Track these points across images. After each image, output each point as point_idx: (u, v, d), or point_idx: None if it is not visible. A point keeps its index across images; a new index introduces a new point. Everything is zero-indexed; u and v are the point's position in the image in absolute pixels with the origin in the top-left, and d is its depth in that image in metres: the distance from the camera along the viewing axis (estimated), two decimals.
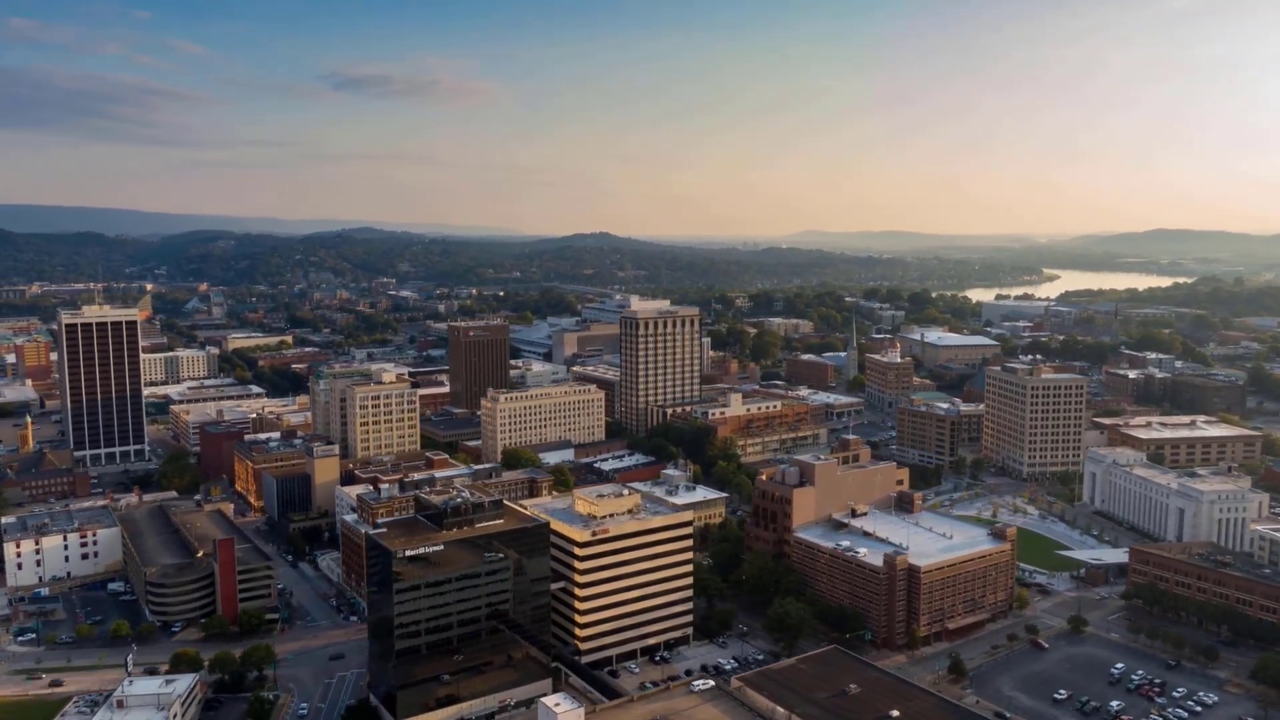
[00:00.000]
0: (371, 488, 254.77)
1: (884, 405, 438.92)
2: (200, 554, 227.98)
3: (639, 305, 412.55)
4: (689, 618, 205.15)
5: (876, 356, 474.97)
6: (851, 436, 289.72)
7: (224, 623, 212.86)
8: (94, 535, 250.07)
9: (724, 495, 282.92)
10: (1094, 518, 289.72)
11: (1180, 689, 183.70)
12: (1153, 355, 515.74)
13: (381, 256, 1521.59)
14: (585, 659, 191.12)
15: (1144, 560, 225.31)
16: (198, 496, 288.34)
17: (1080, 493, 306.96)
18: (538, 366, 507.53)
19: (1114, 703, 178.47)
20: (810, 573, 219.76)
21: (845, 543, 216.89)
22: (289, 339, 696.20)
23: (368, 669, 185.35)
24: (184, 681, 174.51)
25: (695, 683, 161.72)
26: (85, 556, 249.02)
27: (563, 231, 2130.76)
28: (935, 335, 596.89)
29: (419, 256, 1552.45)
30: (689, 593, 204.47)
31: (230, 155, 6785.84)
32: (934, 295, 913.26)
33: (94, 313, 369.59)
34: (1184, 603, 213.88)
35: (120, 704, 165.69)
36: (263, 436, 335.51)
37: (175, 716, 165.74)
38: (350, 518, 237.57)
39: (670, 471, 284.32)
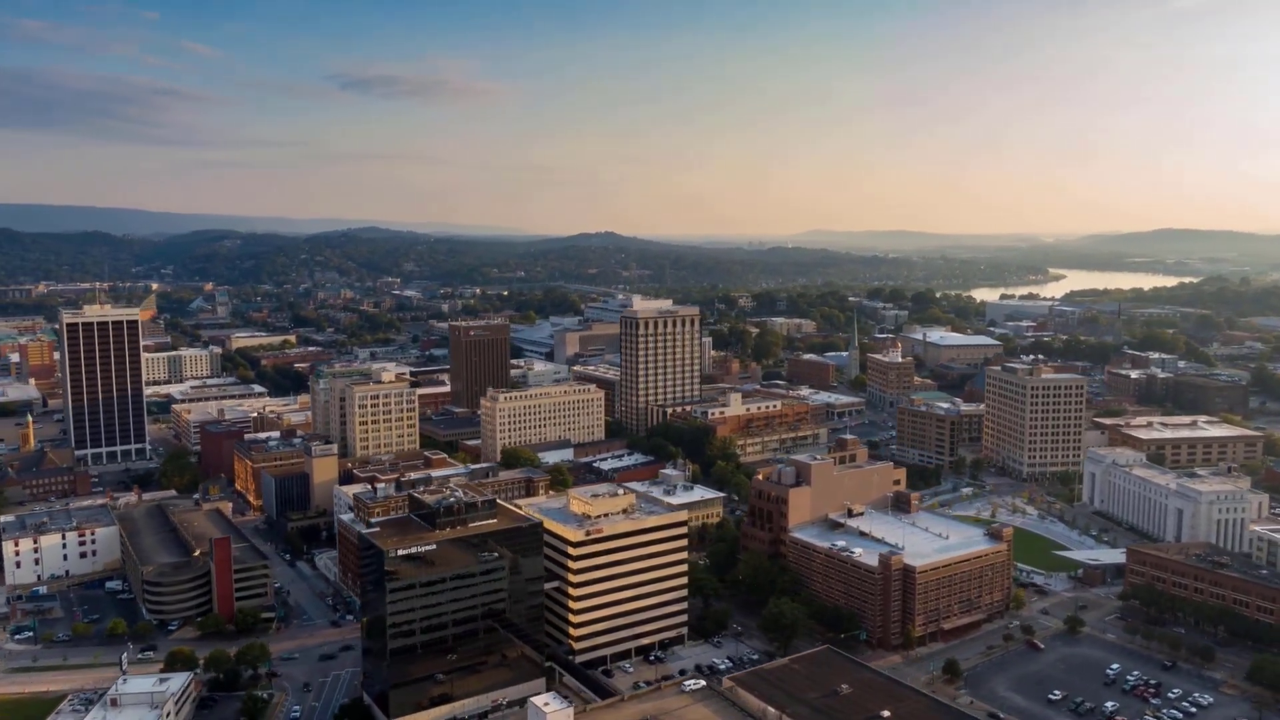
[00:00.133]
0: (369, 487, 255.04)
1: (885, 405, 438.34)
2: (197, 553, 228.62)
3: (640, 305, 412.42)
4: (684, 617, 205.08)
5: (878, 356, 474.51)
6: (849, 436, 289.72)
7: (220, 621, 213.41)
8: (92, 534, 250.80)
9: (722, 495, 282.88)
10: (1093, 518, 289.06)
11: (1176, 690, 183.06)
12: (1156, 355, 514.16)
13: (387, 256, 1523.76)
14: (579, 659, 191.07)
15: (1141, 561, 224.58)
16: (196, 496, 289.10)
17: (1080, 493, 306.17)
18: (539, 366, 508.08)
19: (1109, 703, 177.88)
20: (806, 573, 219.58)
21: (841, 542, 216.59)
22: (292, 338, 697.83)
23: (361, 668, 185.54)
24: (178, 680, 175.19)
25: (686, 683, 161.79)
26: (84, 555, 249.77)
27: (568, 231, 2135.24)
28: (937, 335, 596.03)
29: (424, 256, 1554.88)
30: (683, 592, 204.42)
31: (238, 155, 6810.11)
32: (938, 295, 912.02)
33: (95, 312, 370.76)
34: (1181, 603, 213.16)
35: (114, 702, 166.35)
36: (262, 436, 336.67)
37: (169, 715, 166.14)
38: (347, 517, 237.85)
39: (668, 471, 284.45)
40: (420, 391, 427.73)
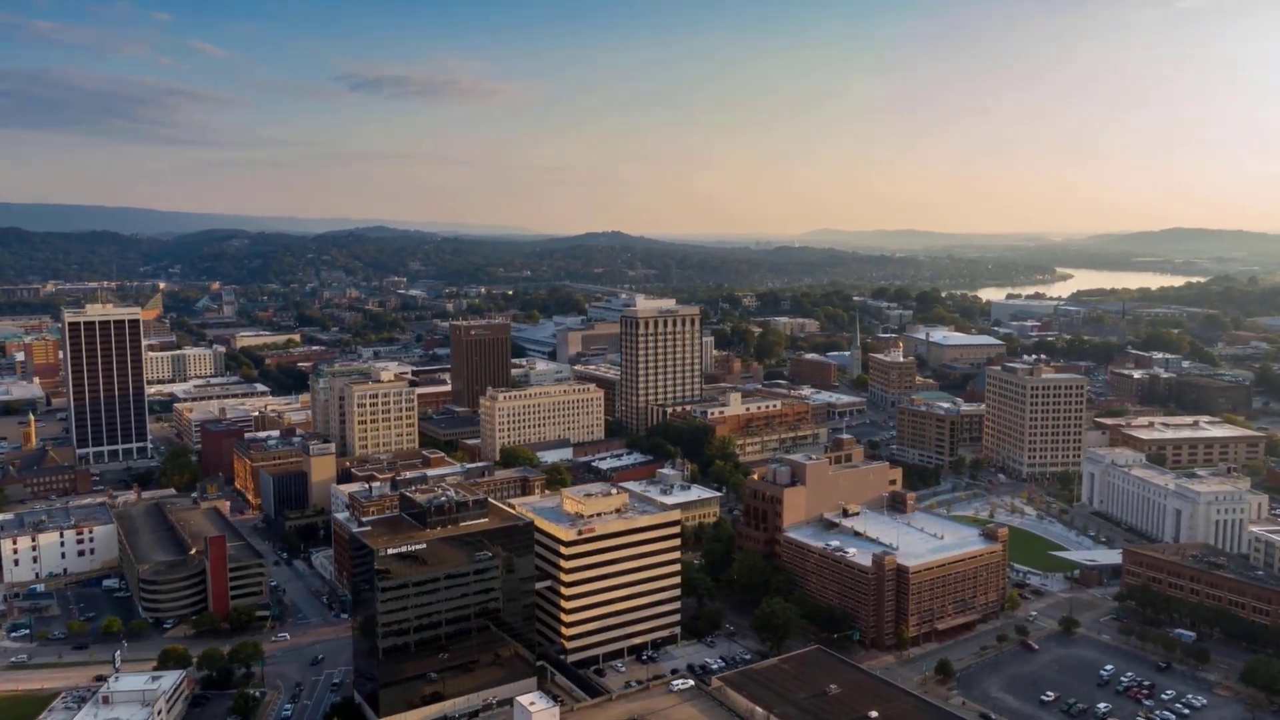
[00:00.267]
0: (365, 486, 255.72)
1: (887, 405, 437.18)
2: (193, 551, 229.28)
3: (642, 304, 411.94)
4: (676, 617, 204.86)
5: (879, 356, 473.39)
6: (846, 436, 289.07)
7: (215, 620, 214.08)
8: (90, 532, 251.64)
9: (718, 494, 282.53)
10: (1092, 518, 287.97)
11: (1169, 691, 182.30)
12: (1159, 355, 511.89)
13: (393, 255, 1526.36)
14: (571, 658, 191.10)
15: (1137, 561, 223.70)
16: (194, 494, 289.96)
17: (1079, 493, 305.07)
18: (542, 365, 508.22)
19: (1101, 704, 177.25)
20: (800, 572, 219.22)
21: (835, 542, 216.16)
22: (296, 337, 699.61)
23: (353, 666, 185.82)
24: (170, 678, 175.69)
25: (675, 682, 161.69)
26: (82, 553, 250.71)
27: (575, 230, 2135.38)
28: (940, 335, 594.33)
29: (431, 255, 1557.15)
30: (676, 592, 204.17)
31: (247, 155, 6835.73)
32: (944, 295, 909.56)
33: (97, 311, 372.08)
34: (1177, 604, 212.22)
35: (106, 700, 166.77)
36: (262, 435, 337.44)
37: (160, 712, 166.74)
38: (342, 515, 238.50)
39: (665, 470, 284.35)
40: (422, 391, 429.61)
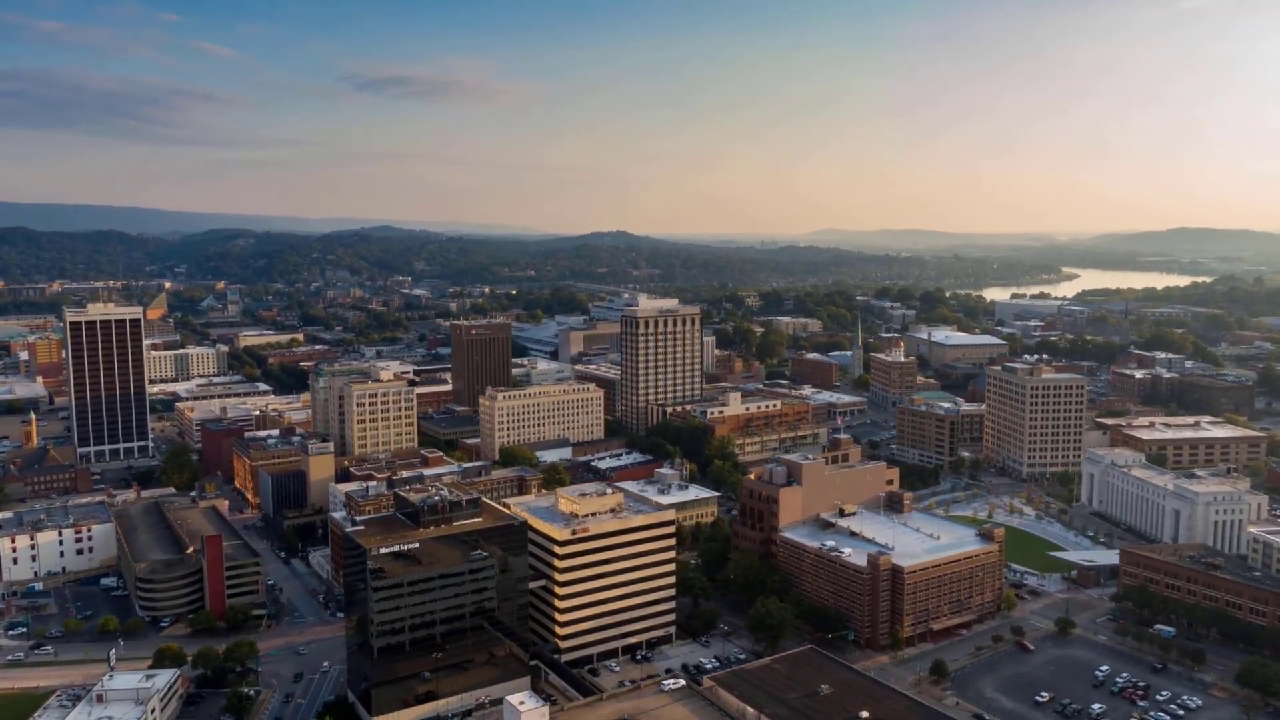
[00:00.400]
0: (363, 485, 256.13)
1: (888, 405, 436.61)
2: (190, 550, 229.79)
3: (644, 304, 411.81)
4: (671, 617, 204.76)
5: (881, 356, 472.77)
6: (843, 436, 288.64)
7: (211, 618, 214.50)
8: (89, 531, 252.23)
9: (716, 494, 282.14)
10: (1091, 519, 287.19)
11: (1164, 692, 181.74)
12: (1162, 355, 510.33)
13: (398, 255, 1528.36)
14: (565, 657, 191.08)
15: (1134, 562, 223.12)
16: (193, 493, 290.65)
17: (1079, 494, 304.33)
18: (543, 365, 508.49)
19: (1095, 705, 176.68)
20: (796, 572, 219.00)
21: (830, 542, 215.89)
22: (300, 337, 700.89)
23: (347, 665, 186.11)
24: (164, 676, 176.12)
25: (666, 682, 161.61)
26: (80, 552, 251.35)
27: (580, 230, 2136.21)
28: (943, 334, 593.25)
29: (435, 255, 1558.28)
30: (671, 592, 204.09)
31: (254, 155, 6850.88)
32: (948, 294, 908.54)
33: (99, 311, 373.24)
34: (1174, 605, 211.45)
35: (100, 698, 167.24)
36: (261, 434, 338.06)
37: (154, 711, 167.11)
38: (339, 515, 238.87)
39: (663, 470, 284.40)
40: (424, 390, 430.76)
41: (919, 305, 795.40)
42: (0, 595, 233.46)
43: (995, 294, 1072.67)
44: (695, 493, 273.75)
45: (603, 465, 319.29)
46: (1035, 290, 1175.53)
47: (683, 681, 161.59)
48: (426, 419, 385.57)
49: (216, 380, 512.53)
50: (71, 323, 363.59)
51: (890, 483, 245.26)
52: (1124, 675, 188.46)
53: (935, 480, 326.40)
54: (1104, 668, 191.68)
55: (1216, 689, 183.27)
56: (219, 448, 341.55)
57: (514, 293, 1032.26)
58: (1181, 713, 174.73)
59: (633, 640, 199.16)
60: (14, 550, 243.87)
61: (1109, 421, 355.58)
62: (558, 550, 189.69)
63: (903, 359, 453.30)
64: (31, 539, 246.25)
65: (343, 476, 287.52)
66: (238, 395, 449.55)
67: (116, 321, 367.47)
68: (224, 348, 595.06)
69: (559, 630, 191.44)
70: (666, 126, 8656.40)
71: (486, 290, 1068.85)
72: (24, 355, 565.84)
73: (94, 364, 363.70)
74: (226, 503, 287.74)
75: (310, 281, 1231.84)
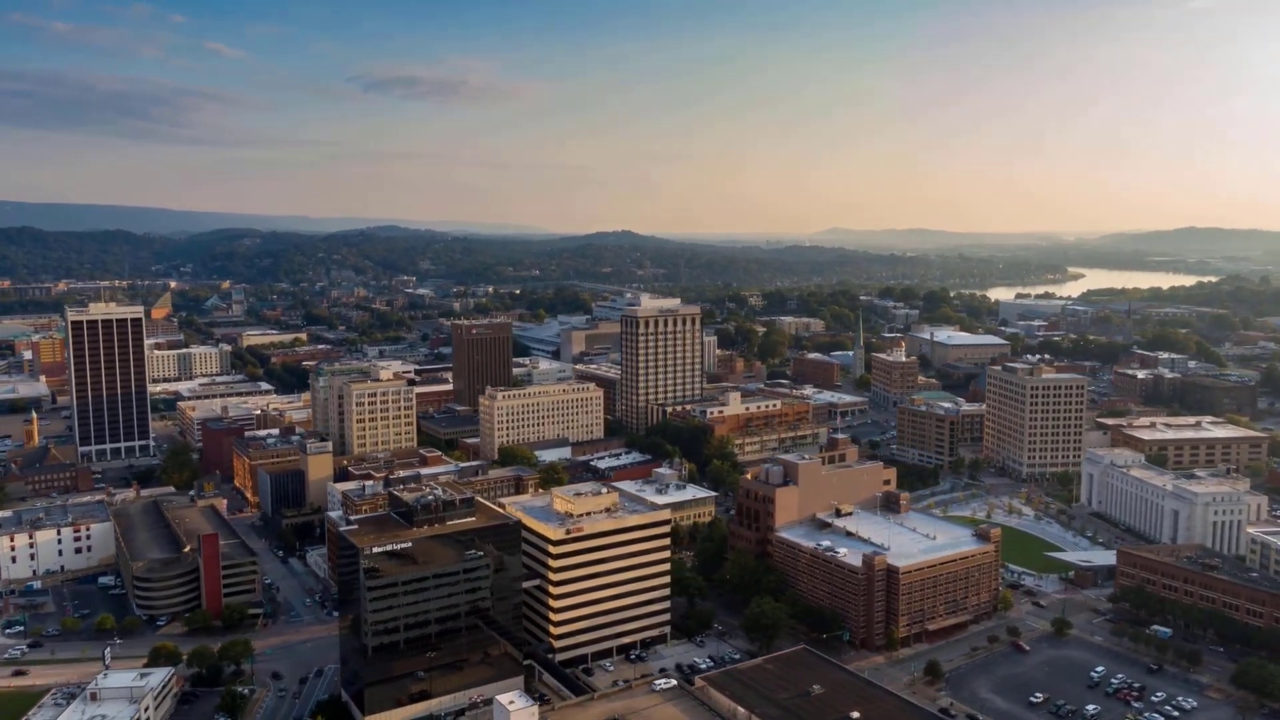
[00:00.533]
0: (360, 484, 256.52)
1: (889, 405, 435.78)
2: (187, 549, 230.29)
3: (646, 303, 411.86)
4: (666, 616, 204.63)
5: (882, 356, 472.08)
6: (840, 436, 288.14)
7: (207, 617, 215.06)
8: (87, 530, 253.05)
9: (714, 494, 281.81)
10: (1091, 519, 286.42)
11: (1160, 693, 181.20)
12: (1165, 355, 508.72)
13: (404, 255, 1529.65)
14: (559, 657, 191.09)
15: (1131, 563, 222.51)
16: (191, 492, 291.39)
17: (1078, 494, 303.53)
18: (545, 364, 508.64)
19: (1090, 706, 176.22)
20: (791, 572, 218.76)
21: (826, 542, 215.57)
22: (303, 336, 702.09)
23: (340, 664, 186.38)
24: (158, 675, 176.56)
25: (657, 682, 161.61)
26: (79, 551, 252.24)
27: (586, 230, 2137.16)
28: (945, 334, 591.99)
29: (440, 255, 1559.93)
30: (666, 592, 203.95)
31: (262, 155, 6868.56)
32: (952, 294, 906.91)
33: (100, 310, 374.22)
34: (1171, 606, 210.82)
35: (94, 696, 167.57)
36: (261, 433, 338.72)
37: (147, 709, 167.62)
38: (335, 514, 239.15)
39: (661, 470, 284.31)
40: (425, 389, 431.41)
41: (922, 305, 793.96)
42: None
43: (1000, 294, 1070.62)
44: (693, 492, 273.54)
45: (602, 465, 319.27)
46: (1040, 290, 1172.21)
47: (674, 681, 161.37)
48: (427, 418, 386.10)
49: (219, 380, 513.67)
50: (73, 322, 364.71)
51: (887, 483, 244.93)
52: (1119, 676, 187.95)
53: (935, 480, 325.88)
54: (1099, 668, 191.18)
55: (1212, 690, 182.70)
56: (219, 447, 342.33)
57: (518, 292, 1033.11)
58: (1176, 714, 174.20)
59: (627, 640, 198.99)
60: (13, 549, 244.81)
61: (1110, 422, 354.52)
62: (552, 550, 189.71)
63: (904, 359, 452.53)
64: (30, 538, 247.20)
65: (342, 476, 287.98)
66: (239, 395, 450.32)
67: (118, 321, 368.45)
68: (227, 347, 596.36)
69: (553, 630, 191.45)
70: (676, 128, 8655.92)
71: (490, 290, 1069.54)
72: (28, 355, 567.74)
73: (95, 363, 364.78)
74: (225, 502, 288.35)
75: (315, 281, 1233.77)
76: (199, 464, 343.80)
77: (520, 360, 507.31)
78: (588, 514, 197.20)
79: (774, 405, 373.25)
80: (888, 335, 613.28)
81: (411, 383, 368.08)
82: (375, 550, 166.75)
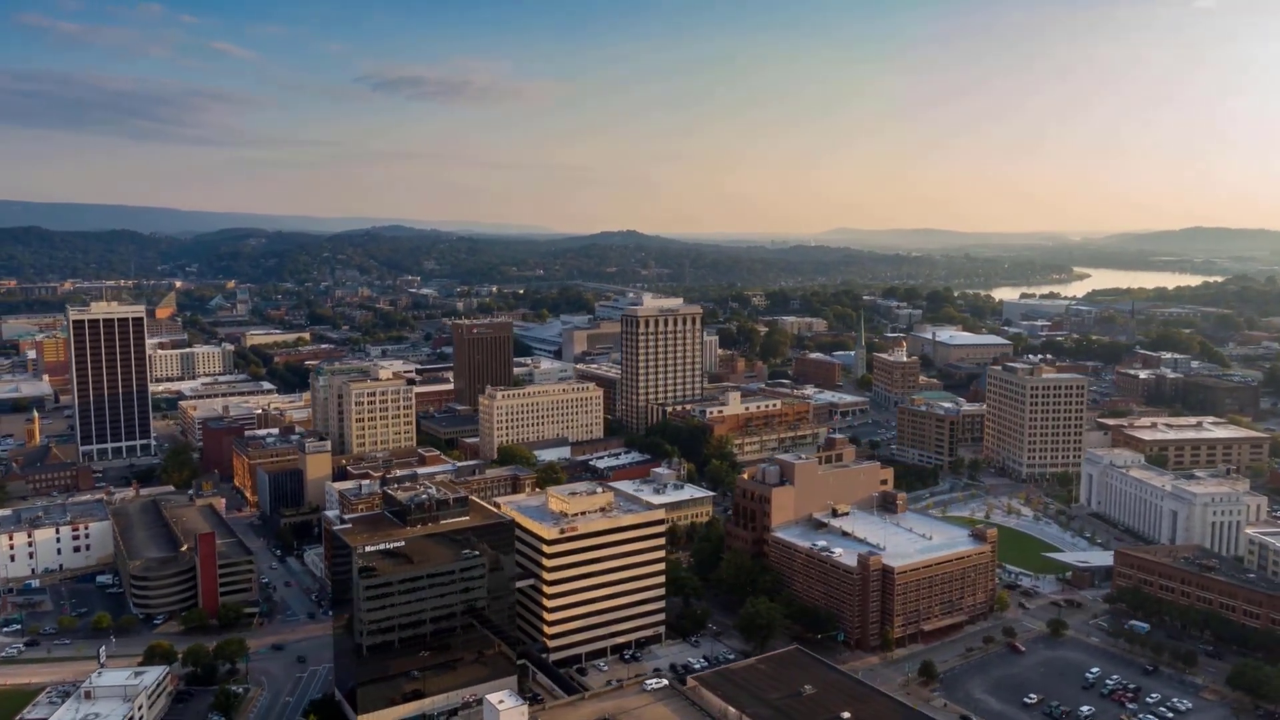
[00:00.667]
0: (356, 484, 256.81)
1: (890, 405, 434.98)
2: (184, 548, 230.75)
3: (649, 303, 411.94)
4: (660, 617, 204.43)
5: (884, 355, 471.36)
6: (838, 436, 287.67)
7: (203, 616, 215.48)
8: (86, 529, 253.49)
9: (711, 494, 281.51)
10: (1090, 520, 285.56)
11: (1155, 694, 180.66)
12: (1168, 355, 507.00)
13: (409, 255, 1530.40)
14: (554, 656, 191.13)
15: (1128, 563, 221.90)
16: (190, 491, 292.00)
17: (1078, 494, 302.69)
18: (546, 364, 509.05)
19: (1084, 707, 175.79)
20: (787, 572, 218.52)
21: (822, 542, 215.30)
22: (306, 336, 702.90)
23: (334, 663, 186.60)
24: (152, 674, 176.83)
25: (648, 681, 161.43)
26: (77, 549, 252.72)
27: (591, 230, 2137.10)
28: (947, 334, 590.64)
29: (445, 255, 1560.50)
30: (660, 592, 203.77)
31: (269, 155, 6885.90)
32: (956, 294, 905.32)
33: (101, 309, 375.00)
34: (1168, 607, 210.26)
35: (88, 695, 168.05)
36: (261, 432, 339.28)
37: (141, 708, 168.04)
38: (332, 513, 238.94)
39: (659, 470, 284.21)
40: (427, 389, 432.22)
41: (926, 305, 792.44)
42: None
43: (1005, 294, 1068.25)
44: (690, 492, 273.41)
45: (601, 465, 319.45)
46: (1045, 290, 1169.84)
47: (665, 681, 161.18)
48: (428, 418, 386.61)
49: (221, 379, 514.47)
50: (74, 321, 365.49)
51: (884, 483, 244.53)
52: (1115, 677, 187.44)
53: (934, 480, 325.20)
54: (1095, 669, 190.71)
55: (1207, 691, 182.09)
56: (219, 446, 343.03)
57: (521, 292, 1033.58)
58: (1171, 715, 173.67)
59: (621, 640, 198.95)
60: (11, 547, 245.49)
61: (1110, 422, 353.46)
62: (546, 549, 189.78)
63: (905, 359, 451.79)
64: (29, 536, 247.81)
65: (340, 475, 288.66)
66: (241, 394, 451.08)
67: (119, 320, 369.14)
68: (230, 347, 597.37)
69: (547, 629, 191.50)
70: (681, 127, 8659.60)
71: (494, 290, 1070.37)
72: (31, 354, 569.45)
73: (96, 362, 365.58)
74: (223, 501, 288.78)
75: (320, 281, 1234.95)
76: (199, 463, 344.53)
77: (522, 360, 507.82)
78: (582, 513, 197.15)
79: (774, 405, 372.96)
80: (890, 335, 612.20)
81: (411, 382, 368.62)
82: (368, 549, 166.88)
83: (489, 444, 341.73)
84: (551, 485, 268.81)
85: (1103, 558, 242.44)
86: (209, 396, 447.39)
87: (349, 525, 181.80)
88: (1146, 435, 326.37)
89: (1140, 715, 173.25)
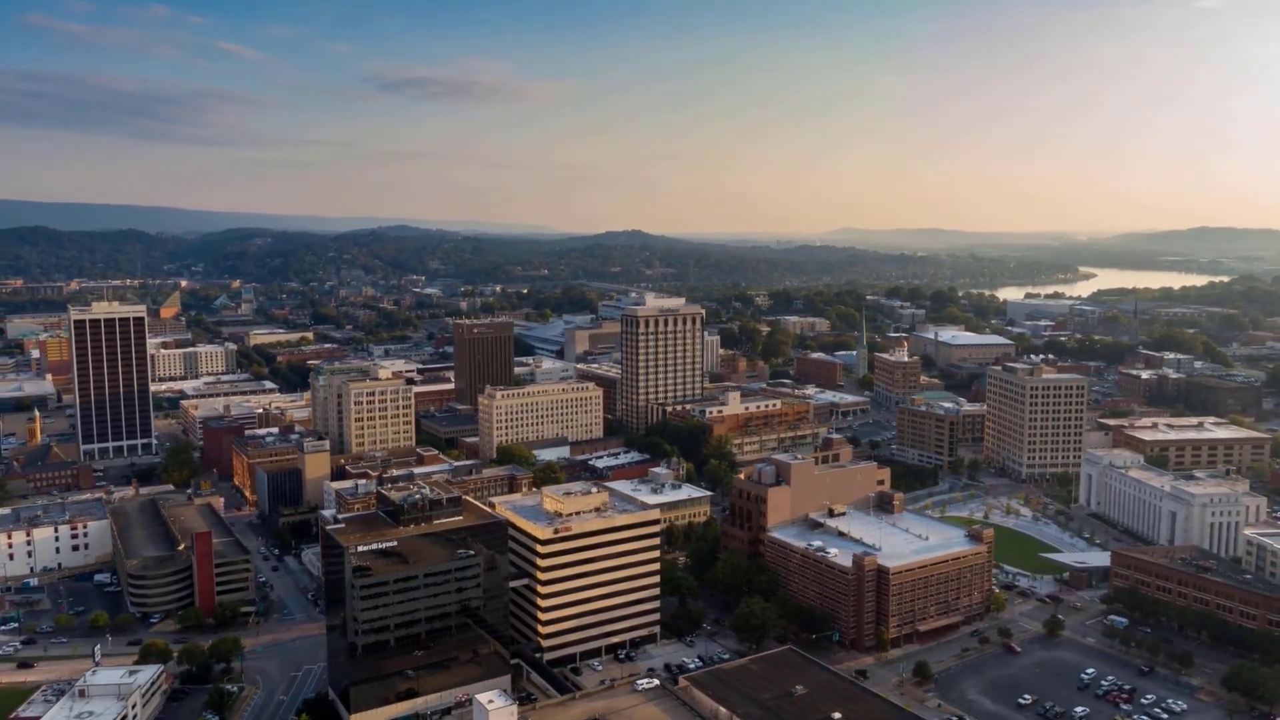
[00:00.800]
0: (353, 483, 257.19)
1: (891, 405, 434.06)
2: (181, 547, 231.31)
3: (651, 302, 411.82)
4: (656, 616, 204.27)
5: (885, 355, 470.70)
6: (835, 436, 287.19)
7: (200, 615, 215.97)
8: (84, 527, 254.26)
9: (709, 494, 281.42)
10: (1089, 520, 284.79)
11: (1150, 695, 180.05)
12: (1171, 355, 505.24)
13: (413, 254, 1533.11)
14: (548, 656, 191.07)
15: (1125, 564, 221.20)
16: (189, 490, 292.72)
17: (1077, 495, 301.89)
18: (548, 364, 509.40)
19: (1079, 708, 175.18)
20: (783, 572, 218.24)
21: (817, 543, 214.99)
22: (310, 335, 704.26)
23: (328, 663, 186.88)
24: (146, 672, 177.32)
25: (640, 681, 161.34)
26: (76, 548, 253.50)
27: (597, 230, 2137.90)
28: (949, 334, 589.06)
29: (450, 254, 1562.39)
30: (655, 591, 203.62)
31: (276, 155, 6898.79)
32: (961, 294, 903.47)
33: (103, 309, 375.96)
34: (1164, 608, 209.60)
35: (82, 693, 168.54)
36: (261, 431, 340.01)
37: (135, 706, 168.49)
38: (328, 513, 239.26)
39: (657, 470, 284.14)
40: (428, 388, 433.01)
41: (929, 305, 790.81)
42: None
43: (1010, 294, 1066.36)
44: (688, 492, 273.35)
45: (600, 464, 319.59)
46: (1051, 290, 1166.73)
47: (656, 681, 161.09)
48: (429, 417, 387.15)
49: (224, 379, 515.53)
50: (76, 321, 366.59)
51: (881, 483, 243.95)
52: (1110, 678, 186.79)
53: (934, 481, 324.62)
54: (1090, 670, 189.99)
55: (1203, 692, 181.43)
56: (219, 445, 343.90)
57: (525, 292, 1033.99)
58: (1165, 716, 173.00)
59: (616, 640, 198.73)
60: (10, 546, 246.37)
61: (1111, 422, 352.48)
62: (540, 549, 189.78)
63: (906, 359, 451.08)
64: (28, 535, 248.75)
65: (339, 474, 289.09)
66: (243, 393, 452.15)
67: (120, 320, 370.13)
68: (233, 346, 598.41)
69: (541, 629, 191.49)
70: (686, 127, 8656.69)
71: (498, 289, 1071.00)
72: (35, 354, 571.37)
73: (98, 362, 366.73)
74: (222, 500, 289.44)
75: (325, 280, 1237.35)
76: (199, 462, 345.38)
77: (524, 359, 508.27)
78: (577, 513, 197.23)
79: (774, 405, 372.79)
80: (892, 335, 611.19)
81: (411, 382, 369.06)
82: (360, 549, 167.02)
83: (488, 444, 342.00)
84: (549, 485, 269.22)
85: (1100, 558, 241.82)
86: (211, 396, 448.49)
87: (341, 525, 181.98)
88: (1147, 436, 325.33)
89: (1135, 716, 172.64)
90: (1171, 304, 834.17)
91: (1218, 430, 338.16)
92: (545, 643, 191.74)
